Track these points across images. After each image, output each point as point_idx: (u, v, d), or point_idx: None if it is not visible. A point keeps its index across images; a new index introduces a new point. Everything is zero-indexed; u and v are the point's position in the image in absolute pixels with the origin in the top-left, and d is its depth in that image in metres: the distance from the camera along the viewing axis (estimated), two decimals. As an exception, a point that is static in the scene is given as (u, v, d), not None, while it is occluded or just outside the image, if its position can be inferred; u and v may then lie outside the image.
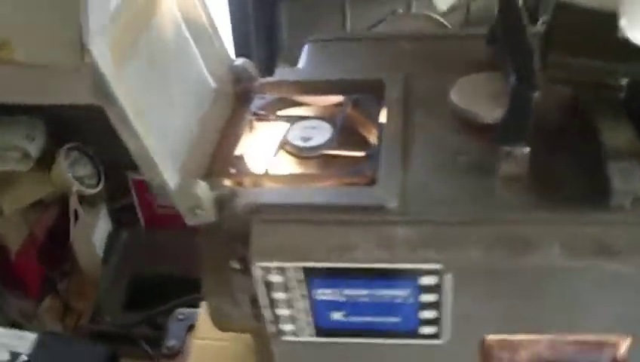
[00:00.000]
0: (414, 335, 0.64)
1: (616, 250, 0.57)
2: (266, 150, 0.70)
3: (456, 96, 0.69)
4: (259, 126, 0.73)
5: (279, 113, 0.74)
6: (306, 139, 0.68)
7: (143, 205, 1.78)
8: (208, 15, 0.73)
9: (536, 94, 0.58)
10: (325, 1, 1.25)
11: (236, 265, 0.64)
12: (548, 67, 0.64)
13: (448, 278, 0.59)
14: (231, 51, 0.78)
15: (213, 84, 0.75)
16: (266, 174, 0.66)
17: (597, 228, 0.58)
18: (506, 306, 0.61)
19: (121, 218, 1.81)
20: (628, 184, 0.58)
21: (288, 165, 0.68)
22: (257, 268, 0.61)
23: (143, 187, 1.72)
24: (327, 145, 0.68)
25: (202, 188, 0.62)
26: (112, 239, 1.78)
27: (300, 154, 0.68)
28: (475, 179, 0.63)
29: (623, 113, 0.63)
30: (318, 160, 0.68)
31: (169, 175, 0.62)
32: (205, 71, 0.75)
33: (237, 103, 0.75)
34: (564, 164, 0.63)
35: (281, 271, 0.61)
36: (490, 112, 0.66)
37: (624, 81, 0.63)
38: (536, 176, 0.62)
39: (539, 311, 0.61)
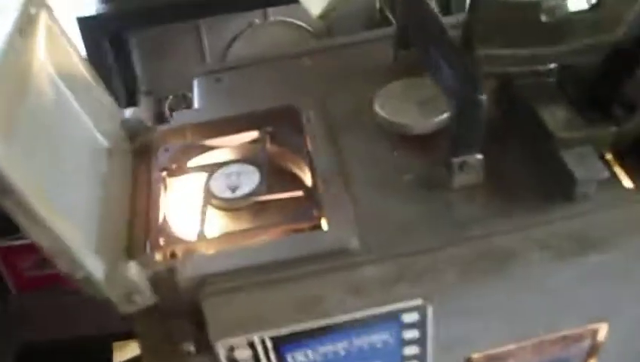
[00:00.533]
0: (398, 374, 0.57)
1: (594, 241, 0.53)
2: (190, 209, 0.60)
3: (381, 109, 0.62)
4: (172, 182, 0.62)
5: (191, 163, 0.64)
6: (233, 189, 0.59)
7: (10, 271, 1.59)
8: (88, 69, 0.62)
9: (485, 97, 0.53)
10: (176, 26, 1.14)
11: (191, 348, 0.54)
12: (476, 63, 0.59)
13: (430, 310, 0.53)
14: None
15: (105, 143, 0.64)
16: (201, 238, 0.56)
17: (569, 223, 0.54)
18: (489, 322, 0.56)
19: (-11, 290, 1.61)
20: (588, 171, 0.54)
21: (220, 222, 0.59)
22: (220, 347, 0.52)
23: (6, 253, 1.54)
24: (258, 190, 0.59)
25: (134, 271, 0.52)
26: (-15, 314, 1.58)
27: (231, 206, 0.59)
28: (429, 197, 0.57)
29: (560, 97, 0.59)
30: (252, 209, 0.59)
31: (91, 263, 0.51)
32: (94, 130, 0.64)
33: (138, 160, 0.65)
34: (514, 161, 0.59)
35: (248, 344, 0.52)
36: (422, 122, 0.61)
37: (553, 66, 0.59)
38: (490, 181, 0.57)
39: (522, 317, 0.56)
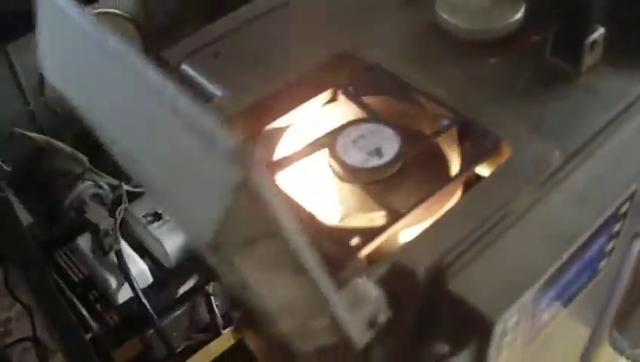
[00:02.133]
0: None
1: None
2: (332, 198, 0.44)
3: (459, 21, 0.53)
4: (282, 177, 0.45)
5: (283, 149, 0.47)
6: (376, 153, 0.44)
7: None
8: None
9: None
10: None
11: (445, 349, 0.41)
12: None
13: (637, 195, 0.47)
14: None
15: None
16: (394, 217, 0.41)
17: None
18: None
19: None
20: None
21: (377, 197, 0.44)
22: (500, 322, 0.39)
23: None
24: (404, 146, 0.45)
25: (372, 286, 0.37)
26: None
27: (385, 173, 0.44)
28: (565, 88, 0.49)
29: None
30: (404, 170, 0.45)
31: (334, 297, 0.35)
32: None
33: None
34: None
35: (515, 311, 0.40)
36: (505, 23, 0.52)
37: None
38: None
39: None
